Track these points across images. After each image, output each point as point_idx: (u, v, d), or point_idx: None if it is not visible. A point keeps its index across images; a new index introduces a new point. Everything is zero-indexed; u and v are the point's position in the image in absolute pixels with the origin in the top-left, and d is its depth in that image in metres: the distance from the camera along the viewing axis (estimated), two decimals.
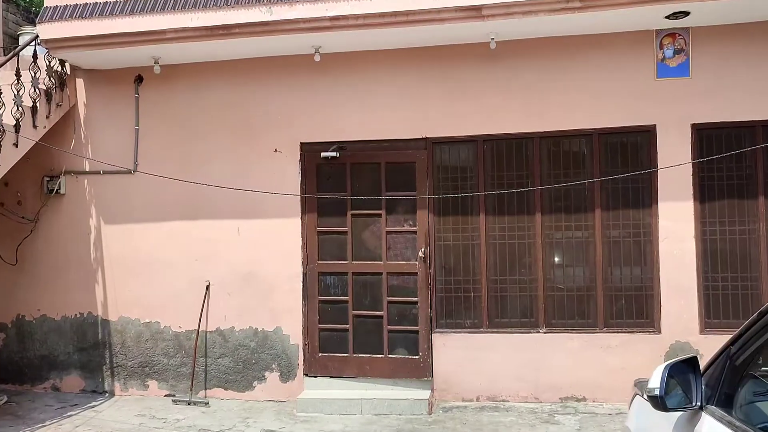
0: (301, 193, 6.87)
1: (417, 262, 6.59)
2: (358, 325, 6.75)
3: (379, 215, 6.71)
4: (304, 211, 6.88)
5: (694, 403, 2.48)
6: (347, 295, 6.75)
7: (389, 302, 6.66)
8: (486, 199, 6.69)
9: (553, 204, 6.60)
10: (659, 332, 6.33)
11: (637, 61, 6.39)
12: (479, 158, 6.70)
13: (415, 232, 6.64)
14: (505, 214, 6.68)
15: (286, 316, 6.92)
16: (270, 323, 6.96)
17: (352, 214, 6.76)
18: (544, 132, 6.59)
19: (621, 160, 6.48)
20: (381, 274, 6.67)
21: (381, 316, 6.65)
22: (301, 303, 6.88)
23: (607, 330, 6.44)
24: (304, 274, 6.86)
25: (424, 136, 6.76)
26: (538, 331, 6.54)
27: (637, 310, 6.43)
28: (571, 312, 6.53)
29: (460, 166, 6.79)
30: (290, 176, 6.92)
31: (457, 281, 6.71)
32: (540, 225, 6.59)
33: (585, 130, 6.52)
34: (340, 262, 6.79)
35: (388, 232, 6.68)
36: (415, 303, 6.62)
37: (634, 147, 6.50)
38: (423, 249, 6.56)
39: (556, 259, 6.58)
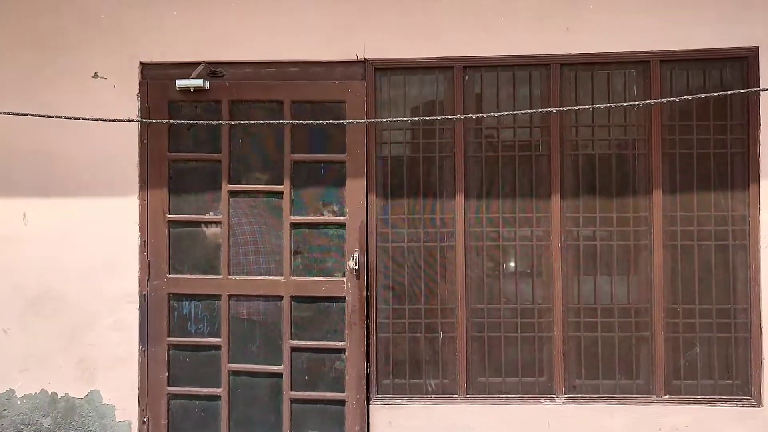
0: (142, 153, 3.85)
1: (345, 279, 3.68)
2: (238, 390, 3.76)
3: (279, 195, 3.74)
4: (146, 185, 3.84)
5: None
6: (219, 336, 3.75)
7: (294, 349, 3.71)
8: (468, 171, 3.87)
9: (581, 180, 3.85)
10: (759, 403, 3.68)
11: None
12: (457, 99, 3.87)
13: (342, 226, 3.72)
14: (499, 197, 3.88)
15: (109, 371, 3.87)
16: (80, 384, 3.89)
17: (231, 192, 3.77)
18: (570, 56, 3.82)
19: (698, 111, 3.79)
20: (281, 299, 3.70)
21: (279, 374, 3.70)
22: (137, 349, 3.84)
23: (670, 398, 3.74)
24: (144, 297, 3.82)
25: (360, 58, 3.87)
26: (554, 400, 3.78)
27: (720, 362, 3.76)
28: (610, 366, 3.80)
29: (423, 112, 3.94)
30: (121, 122, 3.88)
31: (415, 312, 3.87)
32: (559, 215, 3.82)
33: (638, 54, 3.80)
34: (208, 277, 3.77)
35: (294, 225, 3.72)
36: (341, 351, 3.71)
37: (716, 84, 3.83)
38: (356, 255, 3.65)
39: (584, 274, 3.83)
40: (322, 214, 3.76)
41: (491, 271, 3.87)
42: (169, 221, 3.77)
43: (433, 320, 3.86)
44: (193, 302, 3.77)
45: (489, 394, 3.82)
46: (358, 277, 3.67)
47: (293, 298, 3.69)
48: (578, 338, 3.81)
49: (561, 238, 3.81)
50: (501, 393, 3.81)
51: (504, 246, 3.86)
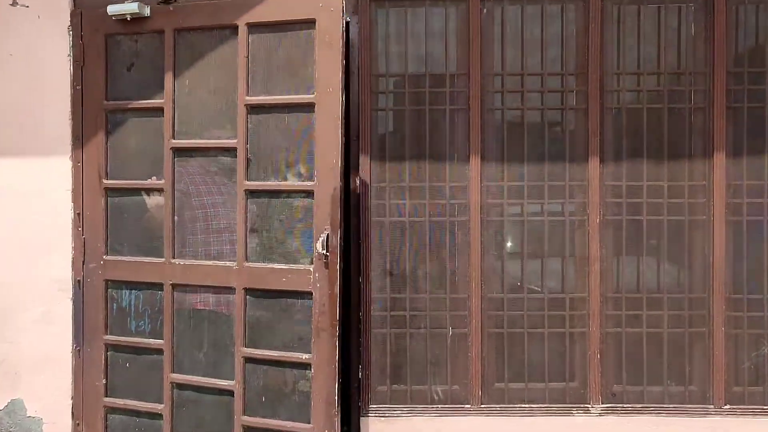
0: (75, 102, 3.02)
1: (311, 268, 2.70)
2: (183, 408, 2.90)
3: (232, 152, 2.81)
4: (80, 142, 3.01)
5: None
6: (162, 337, 2.90)
7: (249, 360, 2.79)
8: (485, 129, 3.11)
9: (624, 141, 3.10)
10: None
11: None
12: (473, 37, 3.10)
13: (310, 194, 2.72)
14: (524, 160, 3.12)
15: (35, 375, 3.08)
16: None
17: (176, 151, 2.88)
18: None
19: None
20: (233, 291, 2.80)
21: (231, 392, 2.81)
22: (71, 348, 3.05)
23: (731, 409, 3.05)
24: (78, 284, 3.00)
25: None
26: (588, 411, 3.07)
27: None
28: (657, 369, 3.09)
29: (431, 54, 3.15)
30: (49, 63, 3.05)
31: (418, 303, 3.13)
32: (598, 184, 3.08)
33: None
34: (149, 260, 2.91)
35: (250, 193, 2.78)
36: (305, 366, 2.71)
37: None
38: (325, 235, 2.64)
39: (627, 256, 3.11)
40: (285, 178, 2.73)
41: (512, 253, 3.13)
42: (106, 188, 2.95)
43: (441, 312, 3.12)
44: (133, 292, 2.93)
45: (508, 403, 3.09)
46: (327, 266, 2.64)
47: (248, 291, 2.74)
48: (618, 335, 3.09)
49: (599, 212, 3.07)
50: (523, 402, 3.10)
51: (529, 222, 3.11)
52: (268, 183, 2.74)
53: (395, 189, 3.12)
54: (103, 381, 2.96)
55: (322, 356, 2.66)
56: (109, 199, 2.94)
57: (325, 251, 2.63)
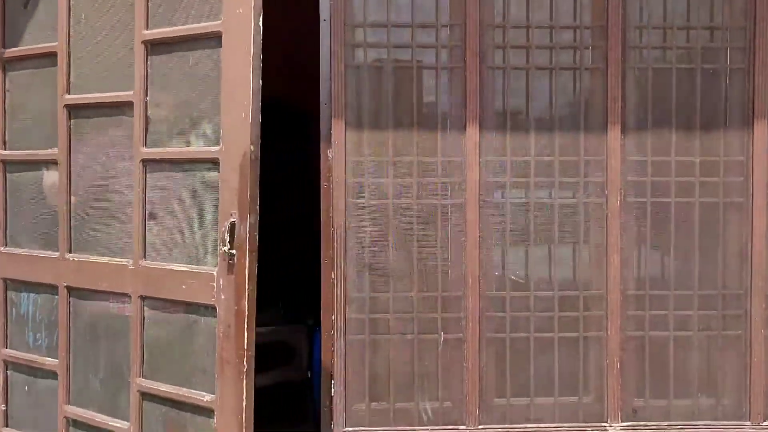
0: None
1: (215, 271, 1.90)
2: None
3: (126, 108, 2.06)
4: None
5: None
6: (56, 356, 2.19)
7: (146, 396, 2.02)
8: (485, 90, 2.56)
9: (650, 107, 2.59)
10: None
11: None
12: None
13: (216, 163, 1.90)
14: (530, 130, 2.58)
15: None
16: None
17: (71, 109, 2.16)
18: None
19: None
20: (128, 299, 2.05)
21: None
22: None
23: None
24: None
25: None
26: (606, 429, 2.57)
27: None
28: (685, 379, 2.61)
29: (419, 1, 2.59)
30: None
31: (404, 303, 2.57)
32: (618, 159, 2.56)
33: None
34: (43, 254, 2.23)
35: (147, 164, 2.02)
36: (208, 412, 1.90)
37: None
38: (229, 224, 1.83)
39: (653, 247, 2.60)
40: (189, 143, 2.00)
41: (517, 242, 2.60)
42: (3, 161, 2.30)
43: (431, 315, 2.57)
44: (31, 295, 2.26)
45: (511, 423, 2.57)
46: (230, 270, 1.84)
47: (145, 300, 2.01)
48: (641, 339, 2.60)
49: (620, 193, 2.57)
50: (528, 422, 2.58)
51: (536, 204, 2.59)
52: (170, 150, 1.99)
53: (376, 164, 2.56)
54: (3, 407, 2.31)
55: (226, 400, 1.86)
56: (8, 174, 2.29)
57: (228, 248, 1.83)
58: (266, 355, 3.48)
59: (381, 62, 2.56)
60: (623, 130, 2.56)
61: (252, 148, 1.82)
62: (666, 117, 2.58)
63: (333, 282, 2.53)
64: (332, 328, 2.54)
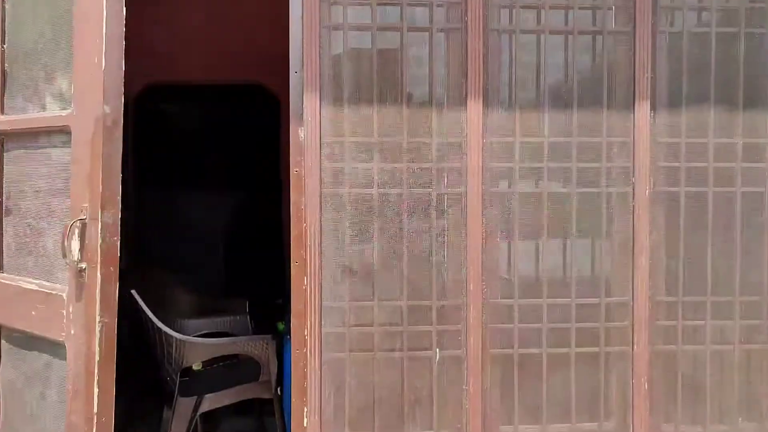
0: None
1: (65, 292, 1.41)
2: None
3: None
4: None
5: None
6: None
7: None
8: (489, 58, 2.12)
9: (684, 79, 2.17)
10: None
11: None
12: None
13: (68, 135, 1.43)
14: (544, 106, 2.15)
15: None
16: None
17: None
18: None
19: None
20: None
21: None
22: None
23: None
24: None
25: None
26: None
27: None
28: (724, 400, 2.21)
29: None
30: None
31: (392, 313, 2.12)
32: (647, 140, 2.15)
33: None
34: None
35: (3, 138, 1.52)
36: None
37: None
38: (80, 224, 1.35)
39: (687, 244, 2.19)
40: (44, 107, 1.53)
41: (527, 240, 2.17)
42: None
43: (424, 328, 2.14)
44: None
45: None
46: (81, 292, 1.36)
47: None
48: (672, 355, 2.19)
49: (649, 180, 2.15)
50: None
51: (551, 196, 2.16)
52: (24, 117, 1.47)
53: (358, 146, 2.11)
54: None
55: None
56: None
57: (78, 260, 1.33)
58: (227, 371, 3.04)
59: (364, 21, 2.10)
60: (653, 107, 2.15)
61: (107, 109, 1.27)
62: (703, 91, 2.17)
63: (305, 289, 2.08)
64: (305, 345, 2.09)
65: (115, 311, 1.26)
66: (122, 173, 1.33)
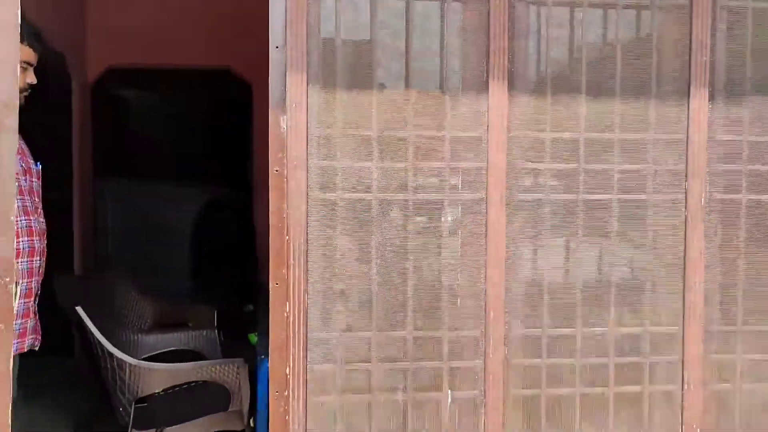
0: None
1: None
2: None
3: None
4: None
5: None
6: None
7: None
8: (515, 35, 1.73)
9: (750, 60, 1.80)
10: None
11: None
12: None
13: None
14: (581, 93, 1.76)
15: None
16: None
17: None
18: None
19: None
20: None
21: None
22: None
23: None
24: None
25: None
26: None
27: None
28: None
29: None
30: None
31: (391, 345, 1.73)
32: (704, 137, 1.78)
33: None
34: None
35: None
36: None
37: None
38: None
39: (746, 259, 1.83)
40: None
41: (557, 256, 1.79)
42: None
43: (433, 363, 1.74)
44: None
45: None
46: None
47: None
48: (729, 395, 1.83)
49: (704, 186, 1.78)
50: None
51: (586, 203, 1.78)
52: None
53: (353, 141, 1.70)
54: None
55: None
56: None
57: None
58: (191, 396, 2.62)
59: None
60: (711, 96, 1.78)
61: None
62: None
63: (287, 317, 1.67)
64: (285, 386, 1.69)
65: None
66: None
